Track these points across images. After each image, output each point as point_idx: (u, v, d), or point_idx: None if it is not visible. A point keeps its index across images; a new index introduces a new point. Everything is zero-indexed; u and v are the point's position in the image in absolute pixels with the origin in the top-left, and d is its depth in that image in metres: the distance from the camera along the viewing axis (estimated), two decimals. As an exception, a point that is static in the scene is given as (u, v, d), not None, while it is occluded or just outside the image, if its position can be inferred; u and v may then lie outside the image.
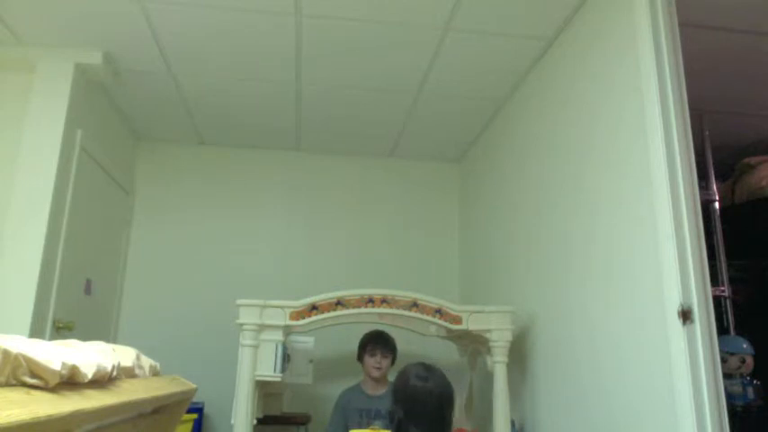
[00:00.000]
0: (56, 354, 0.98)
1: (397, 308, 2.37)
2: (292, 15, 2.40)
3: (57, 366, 0.95)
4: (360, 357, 2.90)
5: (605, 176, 2.04)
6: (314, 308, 2.33)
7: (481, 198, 3.47)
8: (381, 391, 2.81)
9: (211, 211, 3.70)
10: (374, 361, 2.80)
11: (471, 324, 2.38)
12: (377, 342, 2.83)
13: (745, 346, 2.45)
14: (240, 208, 3.74)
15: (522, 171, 2.83)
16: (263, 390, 2.45)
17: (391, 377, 2.79)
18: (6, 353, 0.85)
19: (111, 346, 1.44)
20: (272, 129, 3.55)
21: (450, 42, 2.55)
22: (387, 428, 1.77)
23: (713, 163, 2.68)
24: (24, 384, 0.88)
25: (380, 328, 2.84)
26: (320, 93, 3.07)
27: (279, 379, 2.29)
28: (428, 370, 1.76)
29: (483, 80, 2.87)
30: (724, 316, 2.51)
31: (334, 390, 3.00)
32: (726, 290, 2.52)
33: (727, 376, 2.24)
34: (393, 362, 2.87)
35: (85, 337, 1.64)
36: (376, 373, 2.80)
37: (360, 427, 2.62)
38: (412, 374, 1.74)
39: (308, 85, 2.99)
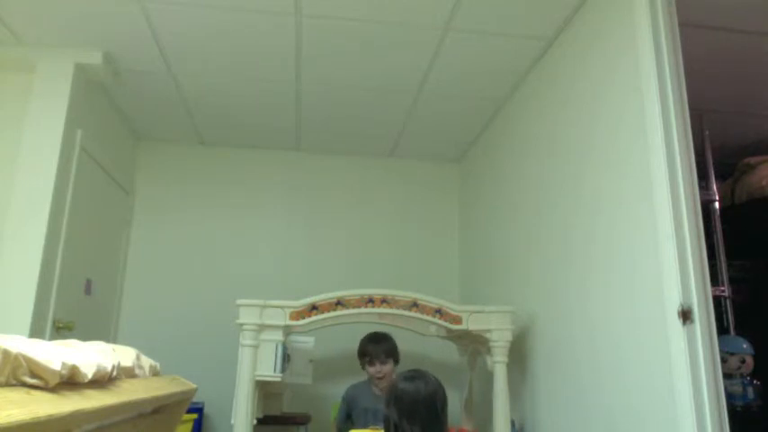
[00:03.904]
0: (56, 354, 0.98)
1: (397, 308, 2.37)
2: (292, 15, 2.40)
3: (57, 366, 0.95)
4: (362, 366, 2.83)
5: (605, 176, 2.04)
6: (314, 308, 2.33)
7: (481, 198, 3.47)
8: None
9: (211, 211, 3.70)
10: (374, 370, 2.74)
11: (471, 324, 2.38)
12: (372, 351, 2.76)
13: (745, 346, 2.45)
14: (240, 208, 3.74)
15: (522, 171, 2.83)
16: (263, 390, 2.45)
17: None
18: (6, 353, 0.85)
19: (111, 346, 1.45)
20: (272, 129, 3.55)
21: (450, 42, 2.55)
22: None
23: (713, 163, 2.68)
24: (24, 384, 0.88)
25: (380, 328, 2.82)
26: (320, 93, 3.07)
27: (279, 379, 2.29)
28: (416, 372, 1.80)
29: (483, 80, 2.87)
30: (724, 316, 2.51)
31: (335, 390, 3.00)
32: (726, 290, 2.52)
33: (727, 376, 2.24)
34: (397, 362, 2.80)
35: (85, 337, 1.64)
36: (381, 383, 2.73)
37: (364, 424, 2.60)
38: (400, 379, 1.78)
39: (307, 85, 2.99)
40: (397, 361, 2.81)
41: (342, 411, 2.82)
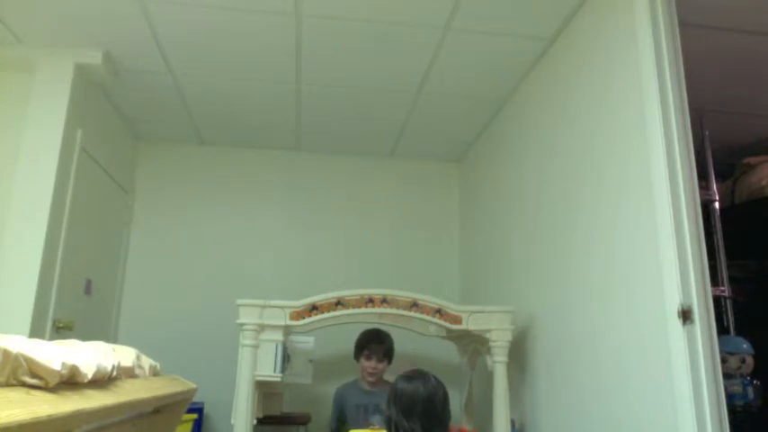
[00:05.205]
0: (56, 354, 0.98)
1: (397, 308, 2.37)
2: (292, 15, 2.40)
3: (57, 366, 0.95)
4: (356, 357, 2.90)
5: (605, 176, 2.04)
6: (314, 308, 2.33)
7: (481, 198, 3.47)
8: (379, 386, 2.81)
9: (211, 211, 3.70)
10: (369, 365, 2.82)
11: (471, 324, 2.38)
12: (372, 347, 2.83)
13: (745, 346, 2.44)
14: (240, 208, 3.74)
15: (522, 171, 2.83)
16: (263, 390, 2.45)
17: (387, 375, 2.81)
18: (6, 353, 0.85)
19: (111, 346, 1.44)
20: (272, 129, 3.55)
21: (450, 42, 2.55)
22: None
23: (713, 163, 2.68)
24: (24, 384, 0.88)
25: (380, 327, 2.84)
26: (320, 93, 3.07)
27: (279, 379, 2.29)
28: (416, 372, 1.82)
29: (483, 80, 2.87)
30: (724, 316, 2.51)
31: (334, 390, 3.00)
32: (726, 290, 2.51)
33: (727, 376, 2.23)
34: (390, 362, 2.86)
35: (85, 337, 1.64)
36: (371, 378, 2.81)
37: (359, 421, 2.62)
38: (400, 379, 1.81)
39: (307, 85, 2.99)
40: (390, 361, 2.85)
41: (333, 413, 2.85)
